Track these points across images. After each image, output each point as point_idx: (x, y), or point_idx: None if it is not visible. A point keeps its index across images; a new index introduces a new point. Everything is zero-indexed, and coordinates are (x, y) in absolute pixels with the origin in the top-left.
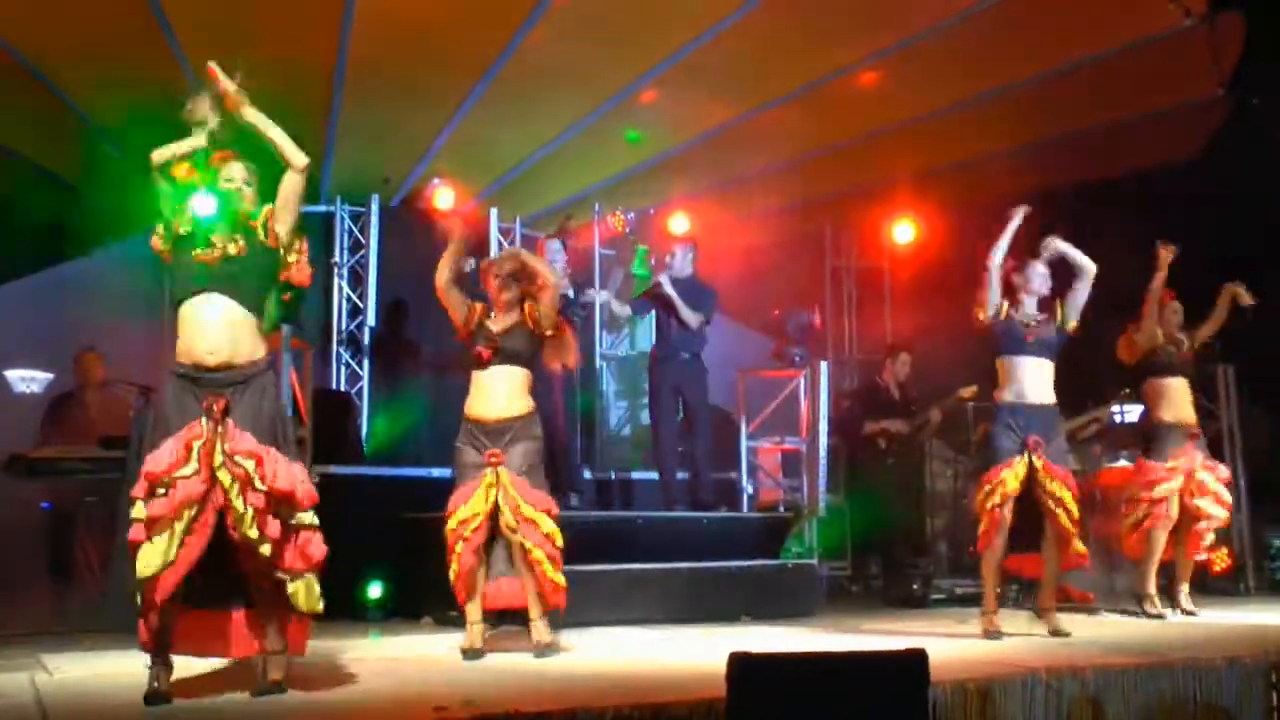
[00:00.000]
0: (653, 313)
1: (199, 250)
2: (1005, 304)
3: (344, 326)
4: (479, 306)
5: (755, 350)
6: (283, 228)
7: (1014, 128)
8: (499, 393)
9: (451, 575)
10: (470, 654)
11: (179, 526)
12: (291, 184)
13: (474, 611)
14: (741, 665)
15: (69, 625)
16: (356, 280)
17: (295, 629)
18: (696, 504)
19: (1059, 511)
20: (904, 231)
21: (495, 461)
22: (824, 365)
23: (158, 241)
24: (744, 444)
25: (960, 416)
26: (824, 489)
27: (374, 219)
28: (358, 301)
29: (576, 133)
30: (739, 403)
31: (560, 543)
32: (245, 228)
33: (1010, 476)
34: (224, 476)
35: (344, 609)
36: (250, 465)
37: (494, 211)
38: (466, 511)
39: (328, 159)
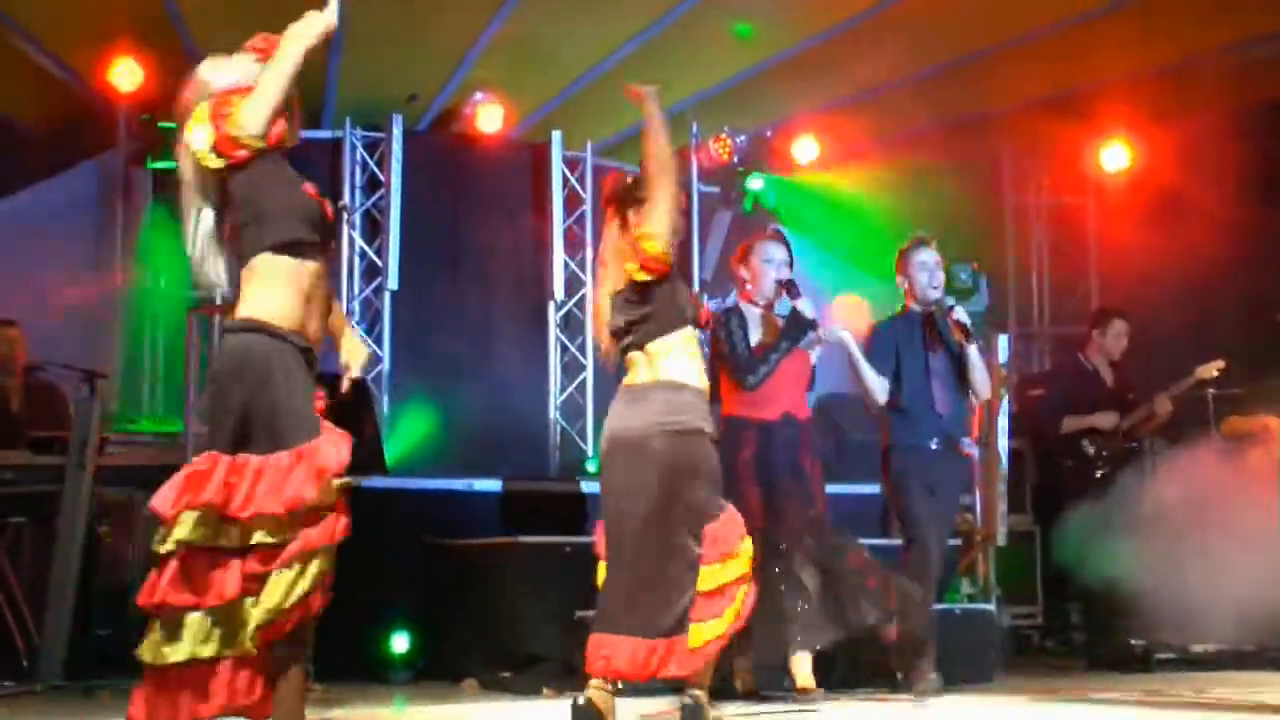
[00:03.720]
0: None
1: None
2: None
3: (357, 291)
4: None
5: None
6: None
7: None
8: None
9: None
10: None
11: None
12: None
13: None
14: None
15: None
16: (373, 229)
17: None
18: None
19: None
20: (1115, 156)
21: None
22: (1003, 340)
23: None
24: None
25: (1197, 407)
26: (1004, 509)
27: (396, 148)
28: (375, 258)
29: (664, 27)
30: None
31: None
32: None
33: None
34: None
35: (360, 667)
36: None
37: (556, 136)
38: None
39: (332, 68)
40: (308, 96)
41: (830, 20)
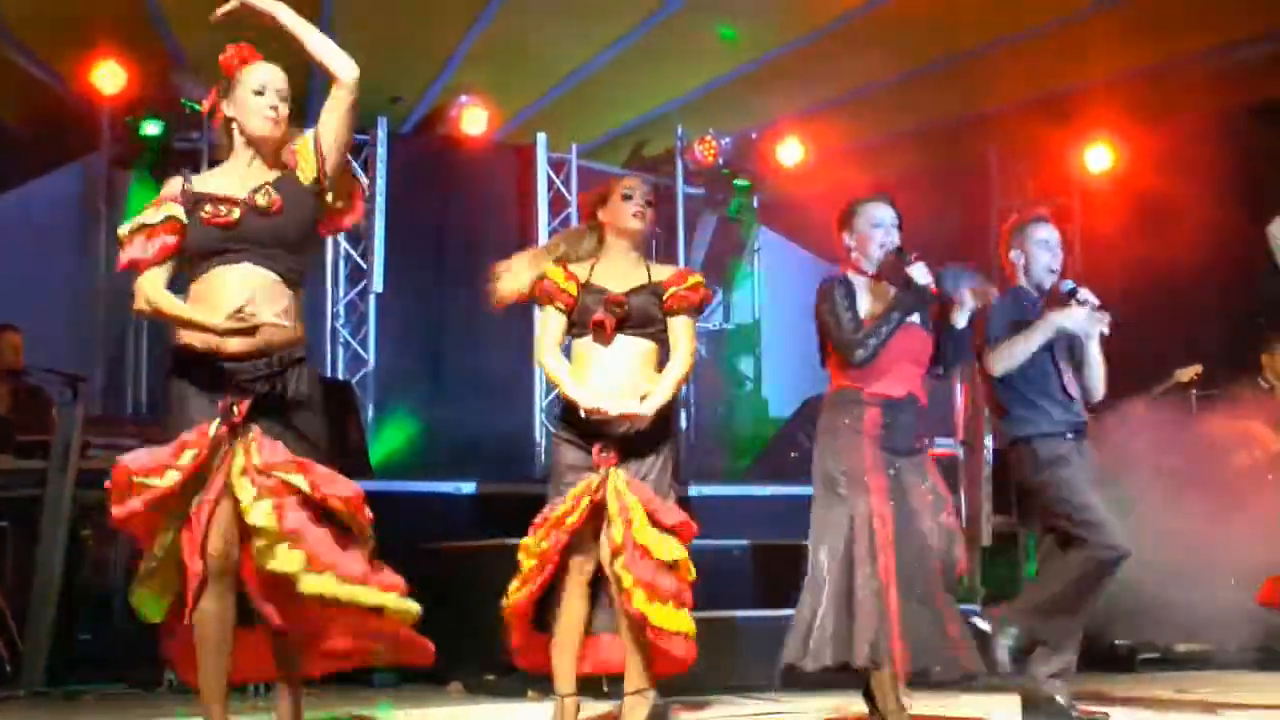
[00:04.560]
0: None
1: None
2: None
3: (342, 294)
4: (567, 266)
5: None
6: (331, 163)
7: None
8: (616, 371)
9: (506, 613)
10: None
11: None
12: (340, 104)
13: (565, 679)
14: None
15: None
16: (357, 232)
17: None
18: None
19: None
20: (1099, 158)
21: (608, 463)
22: None
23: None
24: None
25: (1177, 409)
26: (989, 510)
27: (380, 150)
28: (359, 261)
29: (649, 29)
30: None
31: (691, 577)
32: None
33: None
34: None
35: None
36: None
37: (541, 138)
38: (561, 530)
39: (315, 71)
40: (293, 100)
41: (815, 23)
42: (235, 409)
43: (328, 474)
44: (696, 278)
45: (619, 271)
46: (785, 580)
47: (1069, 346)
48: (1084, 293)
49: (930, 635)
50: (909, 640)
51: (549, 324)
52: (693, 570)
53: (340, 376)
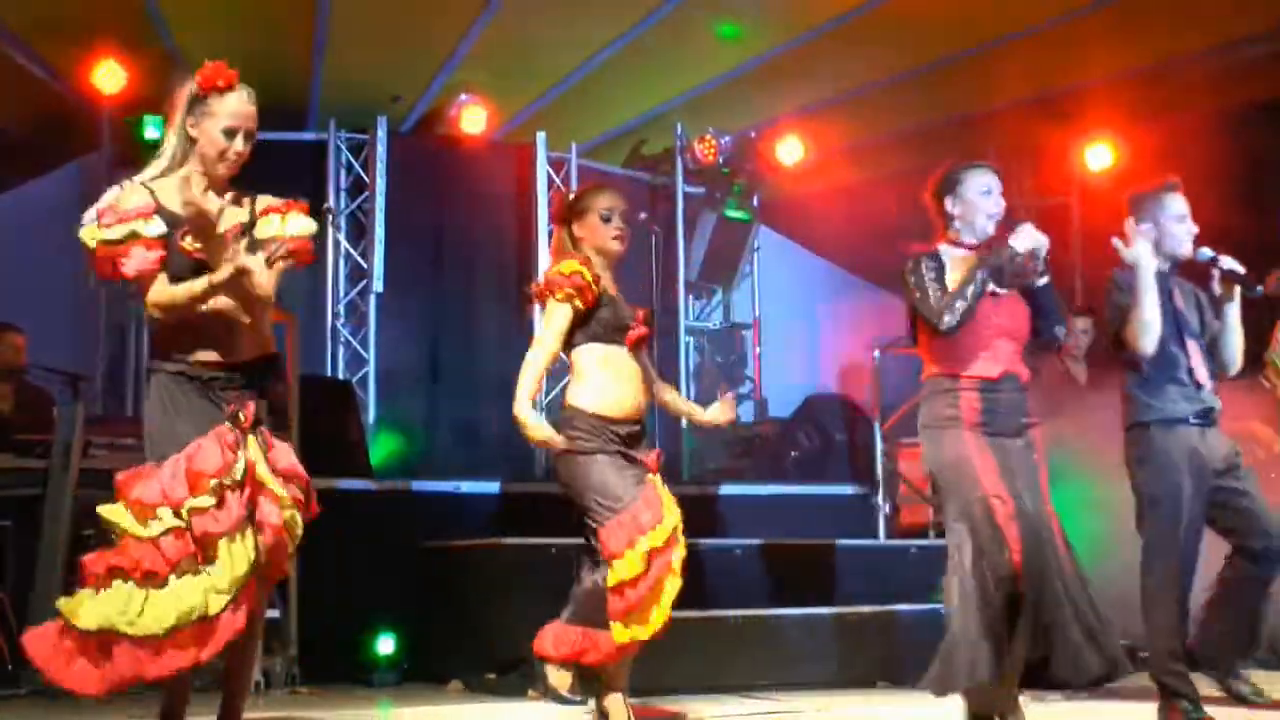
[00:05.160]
0: None
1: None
2: None
3: (342, 293)
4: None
5: (894, 319)
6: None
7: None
8: (637, 382)
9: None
10: None
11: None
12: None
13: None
14: None
15: None
16: (358, 231)
17: None
18: None
19: None
20: (1099, 156)
21: (653, 468)
22: None
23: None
24: (878, 445)
25: None
26: None
27: (380, 150)
28: (360, 260)
29: (648, 28)
30: (872, 390)
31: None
32: None
33: None
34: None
35: (344, 669)
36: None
37: (541, 137)
38: (666, 527)
39: (316, 70)
40: (292, 99)
41: (815, 21)
42: (242, 414)
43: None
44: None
45: (607, 285)
46: (785, 580)
47: (1201, 321)
48: (1226, 260)
49: (1056, 634)
50: (1034, 638)
51: (562, 320)
52: None
53: (340, 376)
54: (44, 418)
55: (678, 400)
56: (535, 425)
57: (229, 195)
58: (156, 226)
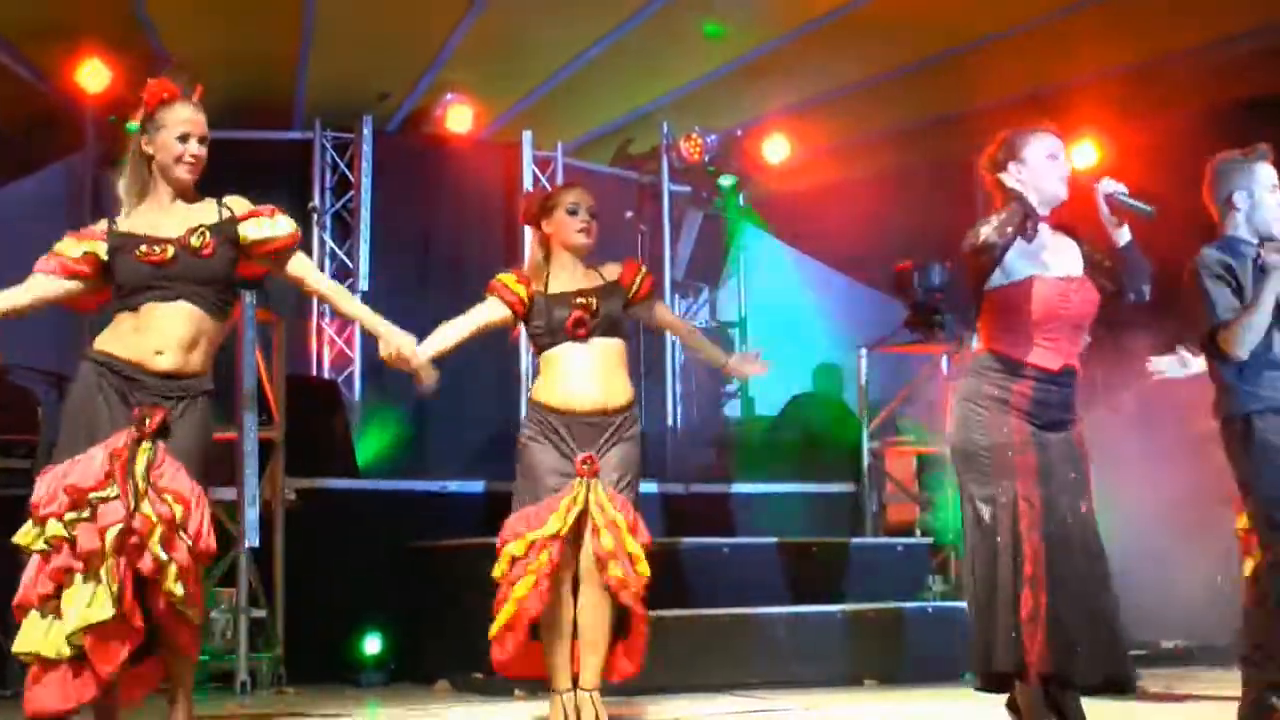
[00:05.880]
0: None
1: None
2: None
3: None
4: (522, 271)
5: (880, 318)
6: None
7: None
8: (600, 376)
9: (498, 627)
10: None
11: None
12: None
13: (563, 676)
14: None
15: None
16: (343, 231)
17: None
18: None
19: None
20: (1085, 153)
21: (589, 470)
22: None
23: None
24: (865, 444)
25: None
26: None
27: (366, 149)
28: (345, 259)
29: (634, 27)
30: (859, 389)
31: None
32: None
33: None
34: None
35: (331, 669)
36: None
37: (527, 136)
38: (539, 535)
39: (302, 68)
40: (277, 98)
41: (801, 19)
42: (148, 420)
43: (208, 528)
44: (639, 263)
45: (574, 279)
46: (772, 579)
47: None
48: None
49: (1078, 636)
50: (1054, 640)
51: (485, 309)
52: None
53: (326, 375)
54: (27, 418)
55: (707, 346)
56: (416, 354)
57: (207, 201)
58: (86, 246)
